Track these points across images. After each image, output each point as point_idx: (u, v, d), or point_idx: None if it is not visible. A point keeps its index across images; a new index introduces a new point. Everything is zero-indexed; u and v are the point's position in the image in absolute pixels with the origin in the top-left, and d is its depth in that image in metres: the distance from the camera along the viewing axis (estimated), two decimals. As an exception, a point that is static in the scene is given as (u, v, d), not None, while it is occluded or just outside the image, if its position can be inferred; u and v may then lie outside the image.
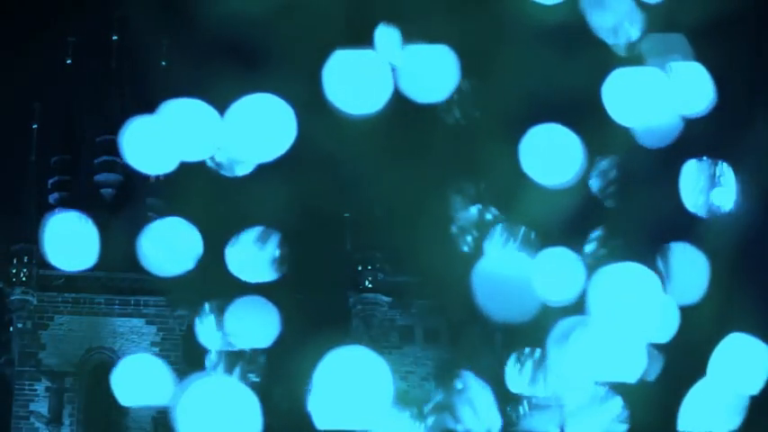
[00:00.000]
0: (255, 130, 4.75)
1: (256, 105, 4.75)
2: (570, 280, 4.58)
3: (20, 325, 47.30)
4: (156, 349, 47.32)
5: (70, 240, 5.24)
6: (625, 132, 5.00)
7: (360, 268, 47.76)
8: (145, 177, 51.57)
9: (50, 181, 51.32)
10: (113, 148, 50.55)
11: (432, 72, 4.78)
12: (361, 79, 4.54)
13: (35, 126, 50.54)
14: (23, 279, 47.21)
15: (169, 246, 5.21)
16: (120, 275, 47.66)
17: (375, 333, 47.66)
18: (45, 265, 47.25)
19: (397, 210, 4.70)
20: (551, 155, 4.92)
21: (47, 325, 47.34)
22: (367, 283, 47.79)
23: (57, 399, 46.55)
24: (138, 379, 5.07)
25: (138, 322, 47.78)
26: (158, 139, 5.11)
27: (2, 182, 62.47)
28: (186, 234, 5.24)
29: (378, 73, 4.52)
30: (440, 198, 4.71)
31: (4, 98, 64.66)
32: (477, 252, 4.64)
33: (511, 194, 4.84)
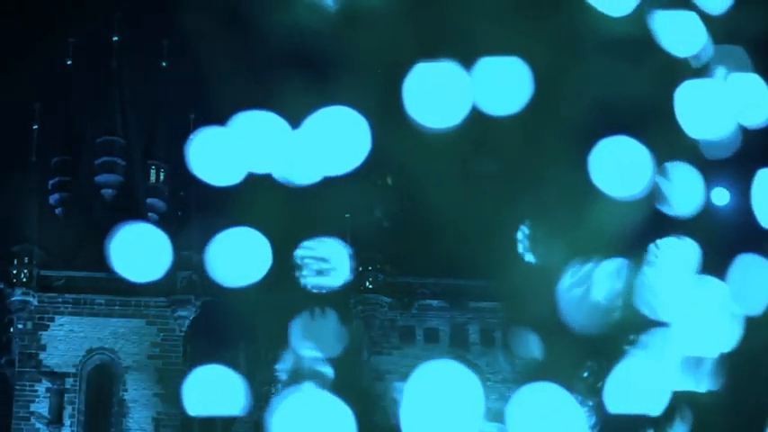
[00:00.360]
0: (330, 142, 4.78)
1: (331, 118, 4.78)
2: (647, 290, 4.62)
3: (20, 326, 47.22)
4: (157, 350, 47.30)
5: (140, 251, 5.26)
6: (692, 143, 5.04)
7: (360, 269, 47.75)
8: (145, 178, 51.67)
9: (51, 182, 51.29)
10: (113, 149, 50.56)
11: (505, 84, 4.82)
12: (441, 93, 4.56)
13: (35, 127, 50.47)
14: (24, 280, 47.13)
15: (238, 256, 5.24)
16: (120, 276, 47.64)
17: (375, 334, 47.66)
18: (45, 265, 47.39)
19: (469, 219, 4.73)
20: (620, 167, 4.96)
21: (47, 326, 47.25)
22: (368, 283, 47.76)
23: (57, 399, 46.47)
24: (209, 389, 5.09)
25: (138, 323, 47.69)
26: (226, 151, 5.14)
27: (2, 182, 62.40)
28: (255, 244, 5.26)
29: (457, 86, 4.54)
30: (510, 209, 4.74)
31: (4, 99, 64.57)
32: (551, 262, 4.68)
33: (581, 206, 4.88)
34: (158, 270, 5.24)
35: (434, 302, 47.39)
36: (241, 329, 47.93)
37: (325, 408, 4.54)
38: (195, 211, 49.24)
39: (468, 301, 47.52)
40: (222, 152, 5.17)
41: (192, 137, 5.28)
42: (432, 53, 4.73)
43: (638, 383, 4.56)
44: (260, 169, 5.06)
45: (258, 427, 43.28)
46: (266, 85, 5.15)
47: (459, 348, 47.70)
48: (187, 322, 47.74)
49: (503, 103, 4.81)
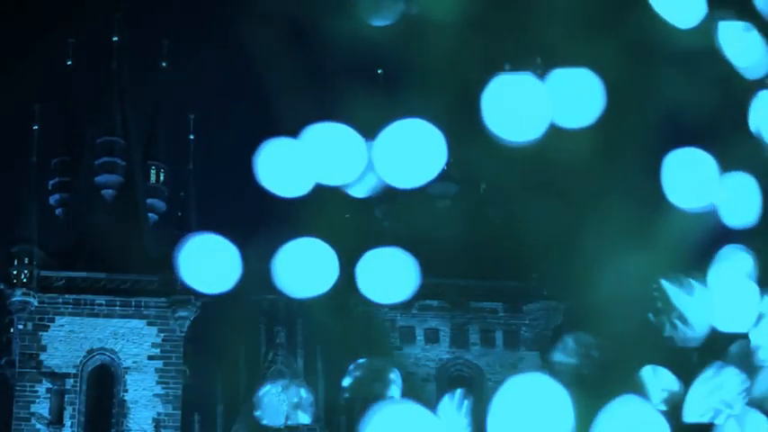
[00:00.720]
0: (405, 155, 4.79)
1: (406, 130, 4.79)
2: (739, 302, 4.65)
3: (21, 326, 47.21)
4: (157, 350, 47.32)
5: (209, 263, 5.25)
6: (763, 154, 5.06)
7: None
8: (145, 179, 51.65)
9: (51, 182, 51.28)
10: (113, 150, 50.54)
11: (577, 96, 4.84)
12: (520, 106, 4.57)
13: (35, 127, 50.43)
14: (24, 280, 47.14)
15: (305, 267, 5.23)
16: (120, 277, 47.68)
17: (376, 334, 47.71)
18: (45, 266, 47.38)
19: (548, 236, 4.74)
20: (690, 178, 4.98)
21: (47, 326, 47.24)
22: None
23: (58, 400, 46.46)
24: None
25: (138, 323, 47.70)
26: (295, 162, 5.14)
27: (2, 183, 62.31)
28: (322, 255, 5.27)
29: (536, 100, 4.55)
30: (589, 224, 4.76)
31: (4, 99, 64.49)
32: (627, 276, 4.70)
33: (654, 218, 4.90)
34: (227, 282, 5.23)
35: (435, 302, 47.44)
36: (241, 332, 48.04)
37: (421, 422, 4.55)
38: (195, 212, 49.31)
39: (468, 301, 47.61)
40: (290, 163, 5.16)
41: (260, 149, 5.26)
42: (508, 64, 4.75)
43: (718, 393, 4.58)
44: (330, 181, 5.06)
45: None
46: (338, 97, 5.16)
47: (459, 348, 47.82)
48: (188, 323, 47.75)
49: (576, 116, 4.83)
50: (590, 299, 4.84)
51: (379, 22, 5.14)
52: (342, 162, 5.00)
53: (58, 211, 51.18)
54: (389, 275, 5.29)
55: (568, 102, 4.80)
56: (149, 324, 47.72)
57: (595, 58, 4.90)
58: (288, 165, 5.16)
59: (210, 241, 5.25)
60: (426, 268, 5.43)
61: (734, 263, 5.06)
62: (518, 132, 4.57)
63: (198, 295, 45.25)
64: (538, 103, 4.60)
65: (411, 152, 4.79)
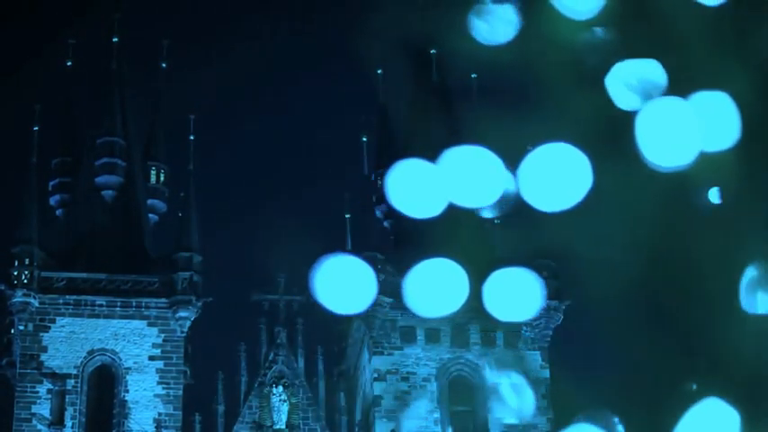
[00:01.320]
0: (550, 178, 4.87)
1: (551, 154, 4.87)
2: None
3: (21, 327, 47.12)
4: (158, 351, 47.31)
5: (345, 283, 5.33)
6: None
7: (361, 269, 47.89)
8: (145, 179, 51.59)
9: (51, 183, 51.21)
10: (114, 150, 50.52)
11: (714, 120, 4.91)
12: (673, 132, 4.64)
13: (36, 128, 50.34)
14: (25, 281, 47.06)
15: (436, 287, 5.33)
16: (121, 277, 47.67)
17: (376, 334, 47.73)
18: (46, 266, 47.32)
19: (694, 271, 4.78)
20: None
21: (48, 327, 47.17)
22: (368, 284, 47.85)
23: (58, 401, 46.39)
24: None
25: (139, 324, 47.68)
26: (429, 183, 5.23)
27: (3, 184, 62.25)
28: (453, 275, 5.36)
29: (689, 126, 4.63)
30: (735, 249, 4.78)
31: (4, 100, 64.35)
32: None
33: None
34: (363, 302, 5.32)
35: (435, 302, 47.49)
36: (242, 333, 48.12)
37: None
38: (195, 212, 49.33)
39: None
40: (424, 185, 5.26)
41: (390, 168, 5.34)
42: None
43: None
44: (466, 203, 5.15)
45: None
46: (472, 119, 5.24)
47: (460, 348, 47.88)
48: (188, 323, 47.74)
49: (716, 139, 4.89)
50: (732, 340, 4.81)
51: (494, 40, 5.22)
52: (479, 185, 5.09)
53: (58, 212, 51.11)
54: (515, 294, 5.39)
55: (708, 125, 4.87)
56: (150, 325, 47.70)
57: (731, 82, 4.96)
58: (420, 186, 5.26)
59: (348, 262, 5.32)
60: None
61: None
62: (669, 158, 4.63)
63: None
64: (689, 129, 4.66)
65: (556, 176, 4.86)
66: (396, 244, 50.47)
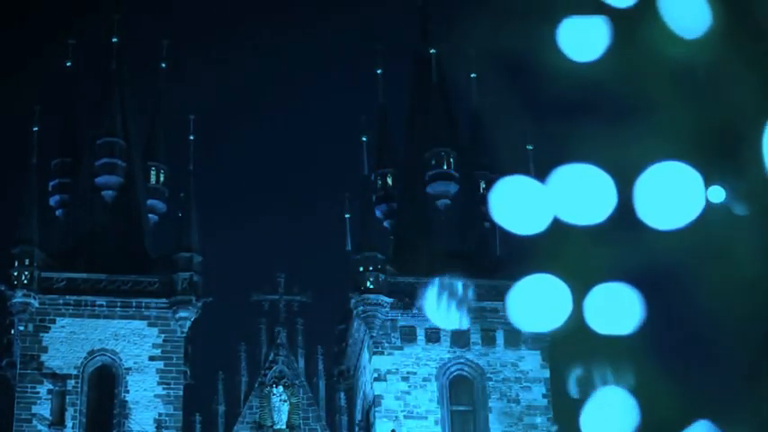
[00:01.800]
0: (665, 197, 4.92)
1: (667, 173, 4.92)
2: None
3: (21, 328, 47.11)
4: (158, 351, 47.36)
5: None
6: None
7: (361, 269, 48.01)
8: (145, 180, 51.65)
9: (51, 183, 51.19)
10: (114, 151, 50.52)
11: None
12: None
13: (35, 128, 50.34)
14: (25, 282, 47.06)
15: (540, 302, 5.38)
16: (121, 278, 47.70)
17: (376, 334, 47.82)
18: (46, 267, 47.31)
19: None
20: None
21: (48, 327, 47.18)
22: (368, 283, 47.98)
23: (59, 401, 46.40)
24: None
25: (139, 324, 47.72)
26: (535, 199, 5.27)
27: (3, 184, 62.20)
28: (556, 291, 5.41)
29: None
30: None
31: (4, 100, 64.32)
32: None
33: None
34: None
35: (436, 302, 47.67)
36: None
37: None
38: (195, 212, 49.37)
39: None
40: (528, 201, 5.30)
41: (492, 189, 5.39)
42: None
43: None
44: (575, 220, 5.19)
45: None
46: (577, 135, 5.29)
47: (460, 348, 47.99)
48: (188, 323, 47.78)
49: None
50: None
51: (584, 57, 5.29)
52: (588, 203, 5.14)
53: (58, 213, 51.10)
54: (616, 309, 5.44)
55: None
56: (150, 325, 47.74)
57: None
58: (526, 202, 5.30)
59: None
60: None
61: None
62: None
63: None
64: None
65: (670, 194, 4.91)
66: (396, 244, 50.61)
